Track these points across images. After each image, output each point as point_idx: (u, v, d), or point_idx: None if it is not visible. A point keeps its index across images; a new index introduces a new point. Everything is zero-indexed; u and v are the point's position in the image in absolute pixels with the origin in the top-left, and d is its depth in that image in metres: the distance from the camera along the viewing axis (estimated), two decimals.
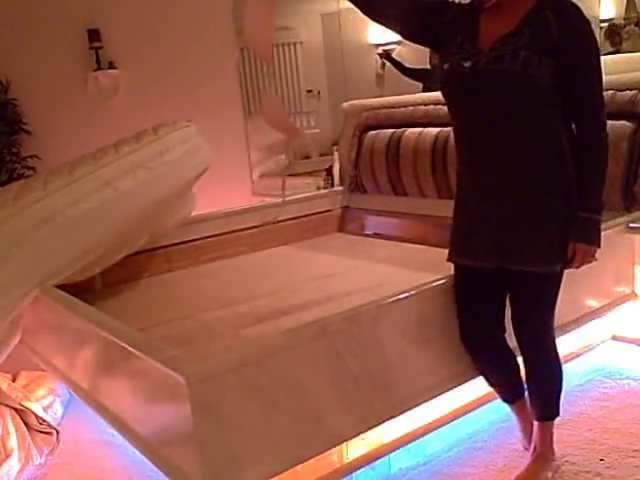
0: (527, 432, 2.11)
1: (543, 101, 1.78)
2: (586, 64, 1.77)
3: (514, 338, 1.99)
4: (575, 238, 1.83)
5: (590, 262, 1.87)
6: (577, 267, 1.88)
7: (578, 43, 1.75)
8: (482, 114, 1.82)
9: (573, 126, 1.84)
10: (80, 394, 2.28)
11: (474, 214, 1.91)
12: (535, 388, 2.02)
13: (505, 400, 2.13)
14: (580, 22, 1.75)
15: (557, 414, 2.04)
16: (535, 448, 2.04)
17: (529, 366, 2.00)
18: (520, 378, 2.07)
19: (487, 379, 2.10)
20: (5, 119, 3.84)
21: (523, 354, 1.99)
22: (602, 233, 2.52)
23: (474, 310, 2.00)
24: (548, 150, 1.81)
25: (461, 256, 1.95)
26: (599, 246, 1.86)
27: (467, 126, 1.90)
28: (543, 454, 2.03)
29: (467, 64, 1.79)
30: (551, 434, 2.05)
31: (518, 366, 2.06)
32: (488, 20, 1.85)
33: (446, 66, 1.86)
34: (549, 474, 2.02)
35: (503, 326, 2.01)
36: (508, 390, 2.11)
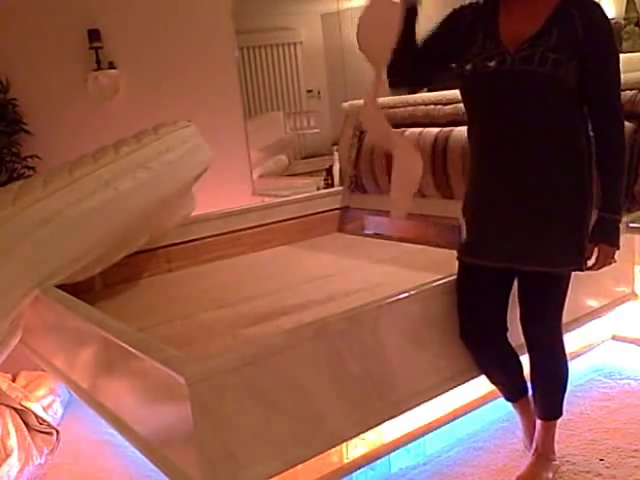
0: (529, 431, 2.10)
1: (569, 102, 1.77)
2: (609, 66, 1.77)
3: (515, 337, 1.99)
4: (597, 239, 1.83)
5: (610, 264, 1.87)
6: (598, 269, 1.87)
7: (603, 45, 1.75)
8: (507, 113, 1.79)
9: (590, 127, 1.84)
10: (80, 394, 2.28)
11: (489, 213, 1.89)
12: (540, 387, 2.01)
13: (508, 399, 2.12)
14: (605, 23, 1.75)
15: (560, 414, 2.04)
16: (537, 448, 2.04)
17: (535, 365, 1.99)
18: (523, 377, 2.07)
19: (489, 378, 2.09)
20: (5, 119, 3.84)
21: (530, 353, 1.98)
22: None
23: (478, 309, 1.99)
24: (570, 150, 1.80)
25: (474, 255, 1.92)
26: (619, 247, 1.86)
27: (488, 125, 1.85)
28: (544, 454, 2.02)
29: (491, 64, 1.75)
30: (553, 434, 2.05)
31: (521, 365, 2.05)
32: (509, 16, 1.80)
33: (469, 67, 1.80)
34: (550, 474, 2.02)
35: (506, 325, 2.00)
36: (511, 389, 2.10)
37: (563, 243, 1.83)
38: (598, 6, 1.75)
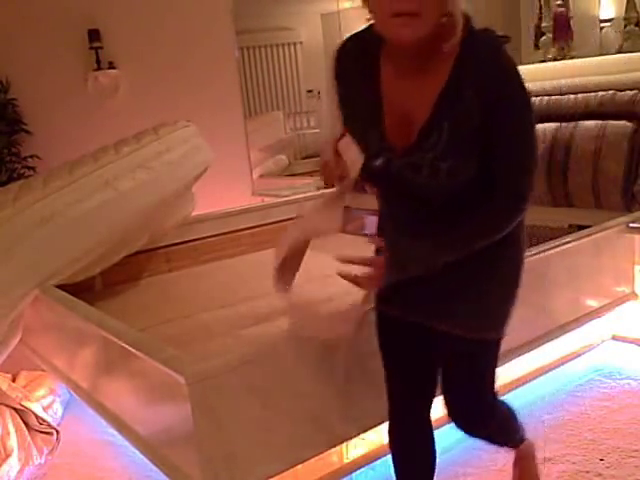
0: None
1: (477, 183, 1.36)
2: (517, 149, 1.34)
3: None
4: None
5: (364, 283, 1.43)
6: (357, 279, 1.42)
7: (511, 126, 1.31)
8: (408, 207, 1.46)
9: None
10: (80, 394, 2.28)
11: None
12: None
13: None
14: (513, 96, 1.31)
15: (522, 440, 1.79)
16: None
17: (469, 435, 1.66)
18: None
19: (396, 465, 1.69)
20: (5, 119, 3.84)
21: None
22: (602, 233, 2.54)
23: (403, 372, 1.64)
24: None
25: (387, 304, 1.57)
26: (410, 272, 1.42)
27: (392, 206, 1.54)
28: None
29: (378, 162, 1.38)
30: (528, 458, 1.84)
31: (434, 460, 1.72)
32: (395, 76, 1.38)
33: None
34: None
35: (431, 400, 1.66)
36: None
37: (482, 305, 1.49)
38: (503, 69, 1.29)
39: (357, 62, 1.43)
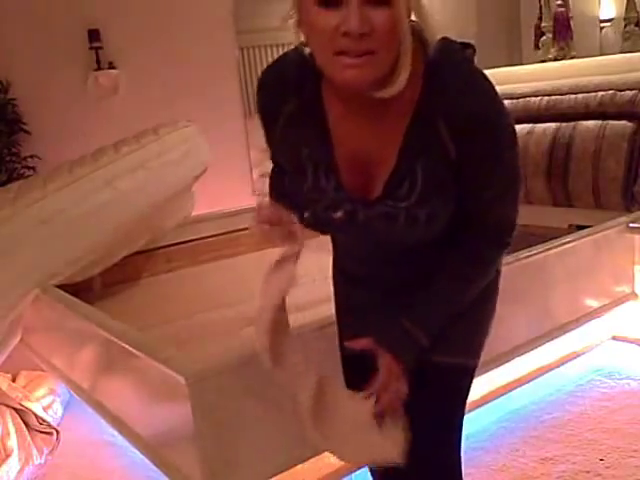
0: None
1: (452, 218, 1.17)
2: (494, 172, 1.13)
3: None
4: (386, 345, 1.19)
5: (393, 395, 1.18)
6: (380, 395, 1.18)
7: (488, 161, 1.11)
8: (374, 252, 1.27)
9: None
10: (80, 394, 2.28)
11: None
12: None
13: None
14: (491, 126, 1.08)
15: None
16: None
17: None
18: None
19: None
20: (5, 119, 3.83)
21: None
22: (602, 233, 2.53)
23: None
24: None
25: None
26: (407, 367, 1.18)
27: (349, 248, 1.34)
28: None
29: (338, 214, 1.16)
30: None
31: None
32: (344, 115, 1.13)
33: (306, 215, 1.20)
34: None
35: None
36: None
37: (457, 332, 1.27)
38: (474, 91, 1.08)
39: (289, 98, 1.15)
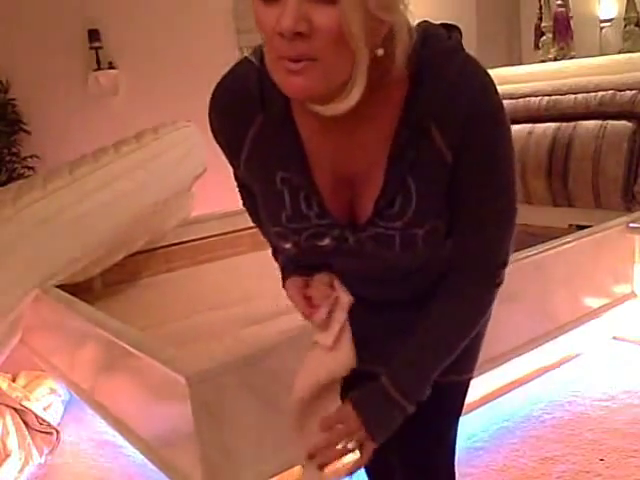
0: None
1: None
2: (493, 185, 0.98)
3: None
4: (356, 405, 1.05)
5: (339, 454, 1.09)
6: (322, 460, 1.12)
7: (486, 163, 0.96)
8: (361, 277, 1.13)
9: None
10: (80, 394, 2.28)
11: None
12: None
13: None
14: (489, 123, 0.94)
15: None
16: None
17: None
18: None
19: None
20: (5, 119, 3.83)
21: None
22: (602, 233, 2.53)
23: None
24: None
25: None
26: (376, 442, 1.05)
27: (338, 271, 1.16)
28: None
29: (325, 242, 1.03)
30: None
31: None
32: (320, 129, 0.97)
33: (288, 245, 1.05)
34: None
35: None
36: None
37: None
38: (474, 89, 0.92)
39: (254, 118, 0.99)
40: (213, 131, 1.07)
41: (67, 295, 2.25)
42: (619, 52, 4.27)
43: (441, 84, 0.91)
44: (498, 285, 1.06)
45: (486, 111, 0.93)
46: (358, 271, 1.10)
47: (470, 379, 1.24)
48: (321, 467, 1.12)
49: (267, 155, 1.01)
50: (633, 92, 2.80)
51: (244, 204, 1.27)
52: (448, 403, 1.23)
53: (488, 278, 1.05)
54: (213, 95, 1.04)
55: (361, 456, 1.07)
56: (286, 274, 1.18)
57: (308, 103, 0.91)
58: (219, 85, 1.04)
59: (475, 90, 0.92)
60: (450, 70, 0.92)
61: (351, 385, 1.17)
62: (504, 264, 1.05)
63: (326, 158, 0.99)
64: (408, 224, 0.97)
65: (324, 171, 0.99)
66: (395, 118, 0.94)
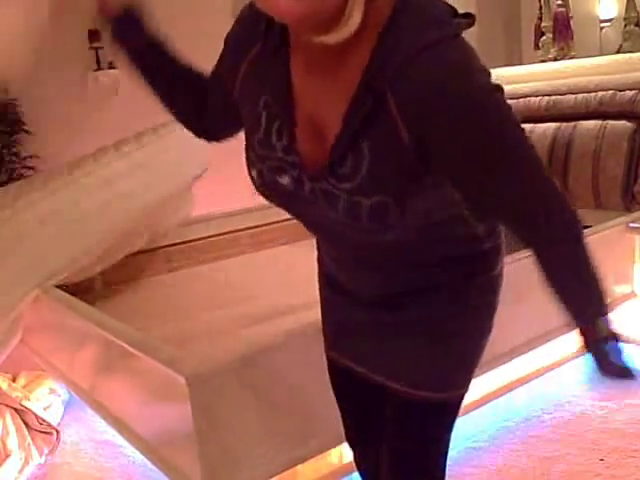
0: None
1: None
2: (482, 157, 0.89)
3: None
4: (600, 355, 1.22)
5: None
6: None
7: (461, 136, 0.86)
8: (334, 240, 1.11)
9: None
10: (80, 394, 2.28)
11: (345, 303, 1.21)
12: None
13: None
14: (459, 93, 0.84)
15: None
16: None
17: None
18: None
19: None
20: (5, 119, 3.83)
21: None
22: (602, 233, 2.54)
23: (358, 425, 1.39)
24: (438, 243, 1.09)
25: (338, 351, 1.28)
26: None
27: (314, 233, 1.16)
28: None
29: (284, 180, 1.01)
30: None
31: None
32: (304, 69, 0.96)
33: (254, 172, 1.06)
34: None
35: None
36: None
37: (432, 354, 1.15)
38: (439, 61, 0.84)
39: (257, 41, 1.02)
40: (229, 37, 1.14)
41: (67, 295, 2.26)
42: (617, 52, 4.27)
43: (403, 49, 0.83)
44: (567, 208, 1.04)
45: (453, 94, 0.83)
46: (327, 238, 1.11)
47: (464, 394, 1.21)
48: None
49: (258, 77, 1.02)
50: (633, 92, 2.80)
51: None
52: (440, 417, 1.20)
53: (558, 215, 1.03)
54: (244, 8, 1.10)
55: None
56: None
57: (308, 33, 0.89)
58: (250, 2, 1.03)
59: (439, 70, 0.83)
60: (420, 39, 0.83)
61: (338, 382, 1.31)
62: (556, 194, 1.00)
63: (307, 99, 0.97)
64: (355, 190, 0.92)
65: (303, 111, 0.97)
66: (360, 70, 0.88)
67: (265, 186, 1.04)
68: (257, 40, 1.01)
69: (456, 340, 1.15)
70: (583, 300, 1.12)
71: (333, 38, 0.85)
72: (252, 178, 1.07)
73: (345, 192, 0.93)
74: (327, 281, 1.25)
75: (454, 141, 0.86)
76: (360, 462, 1.40)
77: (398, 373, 1.15)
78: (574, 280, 1.08)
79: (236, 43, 1.08)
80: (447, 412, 1.19)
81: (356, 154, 0.91)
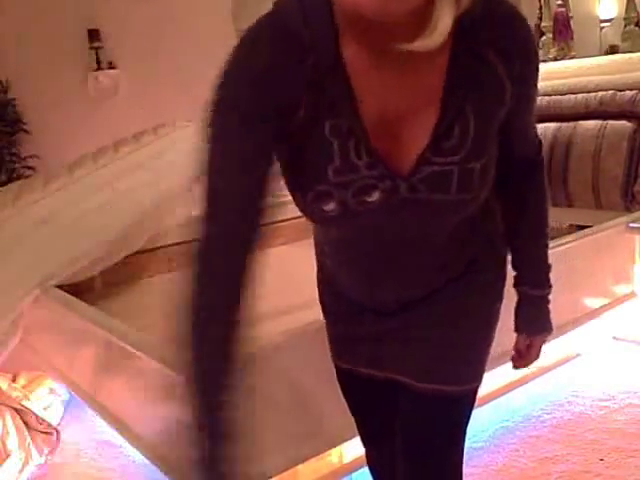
0: None
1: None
2: (534, 100, 1.07)
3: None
4: (528, 329, 1.29)
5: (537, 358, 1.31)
6: (526, 365, 1.37)
7: (533, 80, 1.02)
8: (402, 240, 1.05)
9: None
10: (80, 394, 2.28)
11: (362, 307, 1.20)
12: None
13: None
14: (535, 50, 1.02)
15: None
16: None
17: None
18: None
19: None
20: (5, 119, 3.84)
21: None
22: (602, 233, 2.53)
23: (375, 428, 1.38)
24: (481, 234, 1.15)
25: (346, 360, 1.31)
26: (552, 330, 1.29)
27: (365, 250, 1.10)
28: None
29: (373, 198, 0.94)
30: None
31: None
32: (371, 64, 0.89)
33: (331, 207, 0.95)
34: None
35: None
36: None
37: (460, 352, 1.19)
38: (520, 21, 0.96)
39: (307, 61, 0.88)
40: (241, 86, 0.96)
41: (67, 295, 2.25)
42: (611, 52, 4.27)
43: (498, 12, 0.92)
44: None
45: (535, 47, 1.02)
46: (399, 234, 1.03)
47: (478, 387, 1.27)
48: None
49: (315, 103, 0.89)
50: (633, 92, 2.80)
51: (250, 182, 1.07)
52: (466, 409, 1.28)
53: (542, 164, 1.22)
54: (252, 36, 0.94)
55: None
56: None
57: (389, 42, 0.84)
58: (261, 26, 0.91)
59: (527, 26, 0.97)
60: (503, 3, 0.94)
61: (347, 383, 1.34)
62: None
63: (374, 99, 0.91)
64: (467, 157, 0.93)
65: (371, 115, 0.91)
66: (447, 46, 0.88)
67: (347, 215, 0.96)
68: (304, 60, 0.87)
69: (485, 330, 1.20)
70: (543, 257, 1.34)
71: (422, 46, 0.83)
72: (322, 213, 0.97)
73: (456, 164, 0.93)
74: (339, 298, 1.25)
75: (534, 85, 1.02)
76: (374, 458, 1.40)
77: (429, 373, 1.15)
78: (544, 226, 1.33)
79: (281, 75, 0.89)
80: (471, 402, 1.27)
81: (463, 122, 0.92)
